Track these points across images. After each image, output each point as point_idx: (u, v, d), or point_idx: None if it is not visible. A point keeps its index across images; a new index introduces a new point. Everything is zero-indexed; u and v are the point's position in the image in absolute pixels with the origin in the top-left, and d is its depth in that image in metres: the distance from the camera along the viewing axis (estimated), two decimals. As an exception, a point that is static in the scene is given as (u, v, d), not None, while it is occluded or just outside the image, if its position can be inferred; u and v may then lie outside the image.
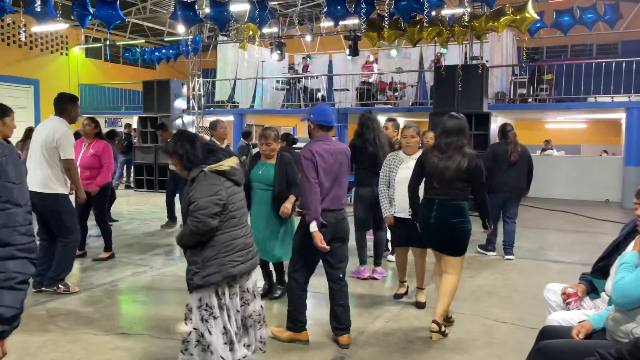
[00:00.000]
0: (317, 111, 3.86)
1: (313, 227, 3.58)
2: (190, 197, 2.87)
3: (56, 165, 4.73)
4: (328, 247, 3.64)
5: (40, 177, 4.65)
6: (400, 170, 4.67)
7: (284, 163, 4.58)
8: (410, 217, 4.42)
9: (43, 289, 4.85)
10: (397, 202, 4.69)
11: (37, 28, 16.17)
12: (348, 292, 3.90)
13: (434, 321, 3.91)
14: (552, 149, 14.97)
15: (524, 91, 14.16)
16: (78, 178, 4.98)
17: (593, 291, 3.12)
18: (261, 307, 3.19)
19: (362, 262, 5.71)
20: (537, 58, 14.93)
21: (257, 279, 3.18)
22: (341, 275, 3.84)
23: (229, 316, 2.95)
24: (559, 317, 2.90)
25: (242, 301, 3.04)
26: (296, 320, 3.82)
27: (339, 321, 3.81)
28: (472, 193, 4.00)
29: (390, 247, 6.27)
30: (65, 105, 4.90)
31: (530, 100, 14.20)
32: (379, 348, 3.78)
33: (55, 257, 4.86)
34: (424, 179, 4.12)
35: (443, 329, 3.94)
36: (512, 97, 14.63)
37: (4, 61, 17.34)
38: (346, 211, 3.92)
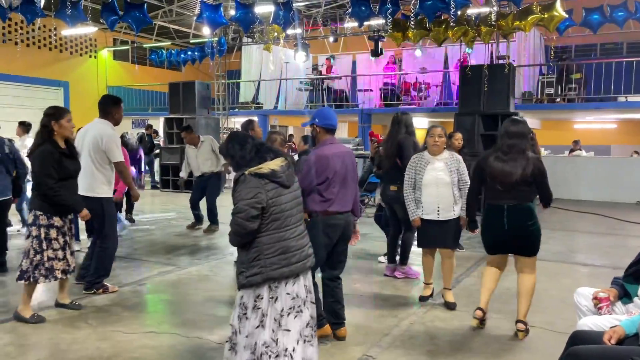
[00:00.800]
0: (321, 115, 3.93)
1: None
2: (233, 199, 2.89)
3: (103, 169, 4.78)
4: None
5: (87, 181, 4.71)
6: (427, 172, 4.60)
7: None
8: (439, 219, 4.52)
9: (84, 291, 4.95)
10: (424, 203, 4.62)
11: (67, 31, 16.56)
12: (342, 290, 4.02)
13: (520, 321, 4.03)
14: (580, 150, 14.67)
15: (552, 91, 13.92)
16: (131, 180, 5.04)
17: (625, 296, 3.05)
18: (312, 317, 3.01)
19: (392, 260, 5.80)
20: (566, 57, 14.67)
21: (310, 284, 3.05)
22: (339, 274, 3.98)
23: (262, 323, 2.83)
24: (590, 322, 2.84)
25: (293, 309, 2.90)
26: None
27: (338, 317, 3.93)
28: (539, 194, 4.04)
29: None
30: (109, 107, 4.97)
31: (558, 100, 13.95)
32: (404, 350, 3.76)
33: (94, 260, 4.97)
34: (482, 184, 4.16)
35: (528, 327, 4.05)
36: (539, 97, 14.39)
37: (36, 64, 17.78)
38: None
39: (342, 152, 3.89)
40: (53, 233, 4.17)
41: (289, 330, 2.85)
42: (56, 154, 4.13)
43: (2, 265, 5.74)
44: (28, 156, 4.45)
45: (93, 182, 4.75)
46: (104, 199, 4.83)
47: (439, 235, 4.64)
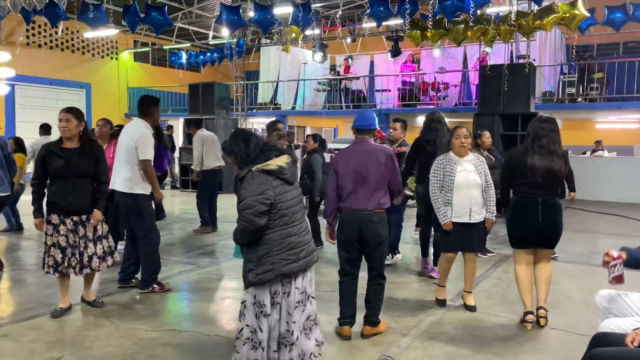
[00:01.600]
0: (356, 117, 4.13)
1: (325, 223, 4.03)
2: (239, 196, 2.94)
3: (137, 166, 4.86)
4: (334, 241, 4.00)
5: (123, 177, 4.85)
6: (458, 174, 4.48)
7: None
8: (470, 221, 4.51)
9: (140, 291, 5.05)
10: (455, 206, 4.48)
11: (89, 34, 16.85)
12: (382, 293, 4.06)
13: (541, 307, 4.24)
14: (603, 150, 14.44)
15: (573, 90, 13.74)
16: (155, 179, 5.09)
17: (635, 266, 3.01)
18: (313, 311, 3.14)
19: (425, 254, 5.98)
20: (587, 56, 14.45)
21: (312, 278, 3.15)
22: (378, 277, 4.01)
23: (280, 316, 2.96)
24: (613, 324, 2.81)
25: (300, 303, 3.02)
26: (340, 312, 4.03)
27: (368, 315, 4.02)
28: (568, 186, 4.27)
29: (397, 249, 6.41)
30: (148, 108, 5.06)
31: (579, 99, 13.76)
32: (424, 351, 3.75)
33: (141, 260, 5.05)
34: (510, 178, 4.34)
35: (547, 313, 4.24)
36: (560, 96, 14.21)
37: (59, 66, 18.13)
38: (382, 213, 3.93)
39: (364, 151, 3.93)
40: (49, 230, 4.27)
41: (295, 322, 2.99)
42: (42, 152, 4.24)
43: None
44: None
45: (129, 179, 4.83)
46: (140, 196, 4.88)
47: (468, 238, 4.58)
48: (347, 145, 4.29)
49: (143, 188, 4.89)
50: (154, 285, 5.04)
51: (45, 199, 4.29)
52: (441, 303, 4.79)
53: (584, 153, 15.06)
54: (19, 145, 7.97)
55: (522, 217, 4.23)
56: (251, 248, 2.95)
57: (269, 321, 2.93)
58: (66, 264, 4.30)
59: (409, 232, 8.28)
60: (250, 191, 2.88)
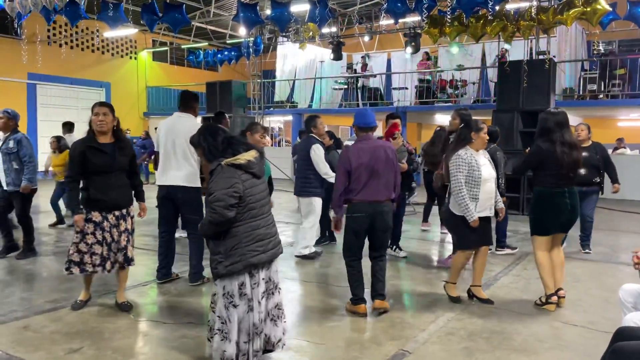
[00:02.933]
0: (356, 116, 4.46)
1: (332, 213, 4.32)
2: (209, 189, 3.00)
3: (196, 161, 4.94)
4: (340, 230, 4.37)
5: (186, 172, 4.91)
6: (482, 168, 4.45)
7: None
8: (490, 215, 4.59)
9: (189, 284, 5.14)
10: (481, 200, 4.45)
11: (109, 33, 17.06)
12: (385, 268, 4.48)
13: (561, 288, 4.54)
14: (625, 148, 14.18)
15: (595, 87, 13.50)
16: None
17: None
18: (280, 301, 3.27)
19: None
20: (609, 52, 14.19)
21: (278, 270, 3.32)
22: (381, 257, 4.43)
23: (250, 307, 3.04)
24: (636, 318, 2.75)
25: (266, 292, 3.14)
26: (353, 294, 4.35)
27: (374, 289, 4.40)
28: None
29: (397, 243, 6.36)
30: (191, 102, 5.16)
31: (601, 96, 13.53)
32: (441, 346, 3.72)
33: (193, 253, 5.13)
34: (536, 169, 4.55)
35: None
36: (581, 93, 13.98)
37: (79, 65, 18.39)
38: (390, 203, 4.33)
39: (372, 147, 4.25)
40: (90, 228, 4.16)
41: (266, 311, 3.16)
42: (79, 148, 4.12)
43: (31, 250, 6.21)
44: None
45: (192, 174, 4.92)
46: (200, 189, 5.00)
47: (487, 232, 4.62)
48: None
49: (199, 182, 5.03)
50: (204, 276, 5.15)
51: (80, 196, 4.19)
52: (456, 300, 4.70)
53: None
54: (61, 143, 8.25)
55: (552, 207, 4.43)
56: (218, 241, 3.02)
57: (237, 312, 3.01)
58: (112, 260, 4.26)
59: (417, 227, 8.26)
60: (220, 184, 2.96)
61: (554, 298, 4.47)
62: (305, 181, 6.17)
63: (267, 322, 3.16)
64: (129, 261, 4.34)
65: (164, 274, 5.20)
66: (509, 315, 4.36)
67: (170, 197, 5.01)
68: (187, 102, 5.15)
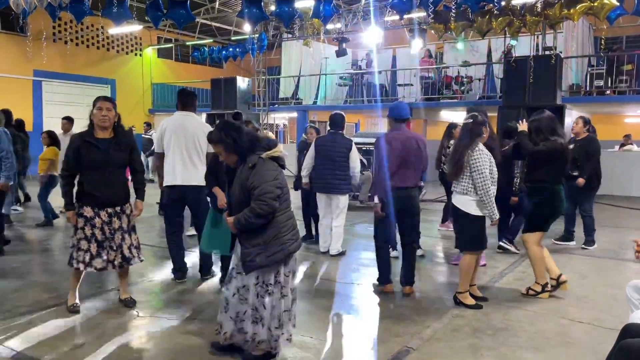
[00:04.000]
0: (392, 108, 4.83)
1: (375, 200, 4.62)
2: (251, 183, 3.02)
3: (204, 159, 4.98)
4: (383, 214, 4.60)
5: (200, 172, 4.88)
6: (493, 165, 4.38)
7: None
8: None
9: (202, 277, 5.21)
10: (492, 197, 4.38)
11: (114, 30, 17.08)
12: (415, 255, 4.90)
13: (560, 274, 4.73)
14: (632, 144, 14.08)
15: (601, 83, 13.38)
16: None
17: None
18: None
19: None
20: (616, 48, 14.06)
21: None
22: (412, 242, 4.81)
23: (283, 294, 3.16)
24: (644, 316, 2.72)
25: (292, 275, 3.30)
26: (380, 274, 4.83)
27: (406, 277, 4.77)
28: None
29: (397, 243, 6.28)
30: (193, 100, 5.16)
31: (608, 92, 13.41)
32: (447, 343, 3.69)
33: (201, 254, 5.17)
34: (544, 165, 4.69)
35: None
36: (588, 89, 13.87)
37: (84, 62, 18.43)
38: (417, 189, 4.75)
39: (404, 137, 4.64)
40: (80, 222, 4.09)
41: (294, 299, 3.31)
42: (77, 143, 4.04)
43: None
44: None
45: (202, 172, 4.85)
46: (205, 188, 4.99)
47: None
48: (368, 139, 4.97)
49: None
50: (213, 270, 5.28)
51: (75, 191, 4.15)
52: (478, 306, 4.43)
53: (613, 147, 14.70)
54: (52, 138, 8.12)
55: (559, 202, 4.68)
56: (254, 233, 3.08)
57: (271, 299, 3.13)
58: (105, 258, 4.13)
59: (435, 226, 8.22)
60: (266, 177, 3.04)
61: (549, 286, 4.71)
62: (345, 178, 6.15)
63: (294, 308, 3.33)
64: (127, 260, 4.24)
65: (184, 272, 5.22)
66: (514, 312, 4.33)
67: (182, 197, 4.98)
68: (188, 100, 5.10)
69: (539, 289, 4.71)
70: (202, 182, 4.84)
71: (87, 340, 3.66)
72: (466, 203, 4.32)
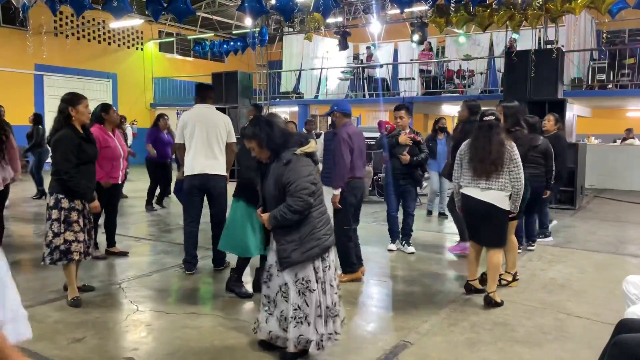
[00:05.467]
0: (340, 103, 5.14)
1: (337, 191, 4.81)
2: (286, 178, 3.03)
3: (223, 150, 5.17)
4: (340, 206, 4.83)
5: (221, 162, 5.10)
6: None
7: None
8: None
9: (215, 268, 5.33)
10: None
11: (115, 24, 17.06)
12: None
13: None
14: (634, 139, 14.05)
15: (603, 77, 13.34)
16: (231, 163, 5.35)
17: None
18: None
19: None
20: (618, 41, 13.99)
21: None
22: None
23: (324, 290, 3.13)
24: (639, 310, 2.72)
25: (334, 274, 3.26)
26: (349, 264, 4.97)
27: (360, 258, 5.11)
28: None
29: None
30: (210, 93, 5.39)
31: (610, 86, 13.36)
32: (443, 337, 3.71)
33: (215, 240, 5.16)
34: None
35: None
36: (590, 83, 13.82)
37: (85, 56, 18.40)
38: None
39: (358, 132, 5.04)
40: (74, 216, 4.15)
41: (336, 293, 3.24)
42: (76, 139, 4.15)
43: None
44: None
45: (222, 163, 5.11)
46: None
47: None
48: (371, 134, 5.24)
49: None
50: (227, 261, 5.36)
51: (63, 186, 4.14)
52: (501, 303, 4.37)
53: (614, 141, 14.67)
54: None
55: (526, 191, 4.68)
56: (289, 229, 3.07)
57: (314, 296, 3.07)
58: (77, 250, 4.19)
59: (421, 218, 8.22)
60: (301, 173, 3.05)
61: (518, 275, 4.91)
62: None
63: (340, 304, 3.28)
64: (95, 246, 4.55)
65: (195, 264, 5.28)
66: (512, 307, 4.33)
67: (203, 186, 5.10)
68: (207, 93, 5.33)
69: (510, 278, 4.86)
70: (223, 172, 5.11)
71: (86, 334, 3.68)
72: (502, 199, 4.28)
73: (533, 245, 6.26)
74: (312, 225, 3.08)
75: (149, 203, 8.94)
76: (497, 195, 4.27)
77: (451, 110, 17.21)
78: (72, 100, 4.22)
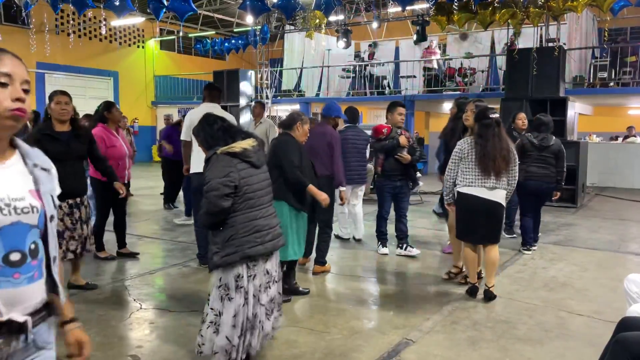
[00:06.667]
0: (336, 109, 5.68)
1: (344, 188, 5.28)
2: (204, 178, 2.95)
3: None
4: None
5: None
6: None
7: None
8: None
9: (201, 265, 5.34)
10: None
11: (116, 22, 17.04)
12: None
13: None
14: (635, 136, 14.04)
15: (605, 75, 13.31)
16: None
17: None
18: (278, 293, 3.17)
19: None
20: (620, 39, 13.96)
21: (277, 261, 3.20)
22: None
23: (246, 300, 2.93)
24: (641, 309, 2.74)
25: (264, 286, 3.03)
26: (324, 257, 5.23)
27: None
28: None
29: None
30: (219, 93, 5.55)
31: (611, 84, 13.34)
32: (445, 335, 3.72)
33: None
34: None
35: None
36: (591, 81, 13.80)
37: (87, 54, 18.41)
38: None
39: (318, 133, 5.16)
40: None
41: (263, 305, 3.02)
42: (36, 137, 4.14)
43: None
44: None
45: None
46: None
47: None
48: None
49: None
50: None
51: None
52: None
53: (616, 139, 14.65)
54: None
55: None
56: (217, 231, 2.95)
57: (233, 305, 2.91)
58: (64, 249, 4.23)
59: (421, 215, 8.23)
60: (215, 173, 2.88)
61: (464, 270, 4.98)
62: (365, 168, 6.65)
63: (264, 318, 3.04)
64: (86, 250, 4.48)
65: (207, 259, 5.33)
66: (514, 305, 4.35)
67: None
68: (215, 93, 5.47)
69: (457, 271, 5.04)
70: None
71: (89, 332, 3.67)
72: (503, 197, 4.40)
73: (534, 246, 6.27)
74: (234, 230, 2.90)
75: (172, 200, 8.86)
76: (502, 194, 4.35)
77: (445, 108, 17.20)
78: (50, 96, 4.36)
